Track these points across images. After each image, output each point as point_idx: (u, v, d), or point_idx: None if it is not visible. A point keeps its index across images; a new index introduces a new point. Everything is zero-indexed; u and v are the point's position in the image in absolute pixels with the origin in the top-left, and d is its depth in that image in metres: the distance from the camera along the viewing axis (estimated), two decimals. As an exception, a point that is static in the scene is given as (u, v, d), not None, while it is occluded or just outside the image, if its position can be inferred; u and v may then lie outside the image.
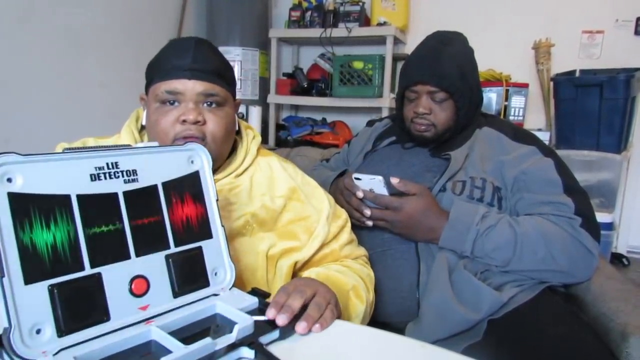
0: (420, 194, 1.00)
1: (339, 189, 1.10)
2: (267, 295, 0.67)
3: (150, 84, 0.86)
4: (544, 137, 2.45)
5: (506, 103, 2.54)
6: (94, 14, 2.24)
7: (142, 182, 0.60)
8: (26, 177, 0.51)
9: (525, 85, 2.55)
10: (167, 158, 0.64)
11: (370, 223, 1.02)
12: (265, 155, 0.96)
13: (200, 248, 0.65)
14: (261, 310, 0.63)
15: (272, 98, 3.03)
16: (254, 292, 0.67)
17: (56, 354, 0.50)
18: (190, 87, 0.82)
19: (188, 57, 0.83)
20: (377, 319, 1.00)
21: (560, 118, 2.48)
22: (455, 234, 0.97)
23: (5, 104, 1.87)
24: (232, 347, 0.54)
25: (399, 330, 0.97)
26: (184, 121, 0.81)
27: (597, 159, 2.33)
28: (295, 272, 0.92)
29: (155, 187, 0.61)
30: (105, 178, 0.57)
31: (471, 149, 1.10)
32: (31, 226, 0.51)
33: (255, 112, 2.81)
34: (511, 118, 2.54)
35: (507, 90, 2.53)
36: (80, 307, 0.52)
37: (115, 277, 0.56)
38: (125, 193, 0.58)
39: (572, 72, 2.48)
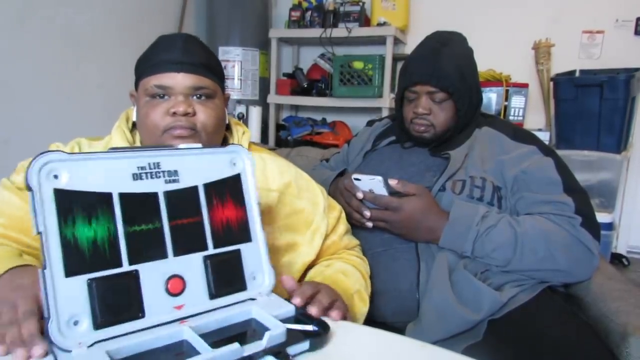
0: (420, 194, 1.00)
1: (338, 190, 1.10)
2: (324, 331, 0.64)
3: (140, 80, 0.86)
4: (544, 137, 2.45)
5: (506, 103, 2.54)
6: (94, 14, 2.24)
7: (183, 182, 0.61)
8: (71, 174, 0.53)
9: (525, 85, 2.55)
10: (209, 159, 0.64)
11: (370, 224, 1.02)
12: (257, 151, 0.97)
13: (238, 251, 0.64)
14: (297, 319, 0.61)
15: (272, 98, 3.03)
16: (317, 322, 0.64)
17: (90, 346, 0.51)
18: (180, 80, 0.83)
19: (176, 52, 0.84)
20: (377, 319, 1.00)
21: (560, 118, 2.48)
22: (456, 234, 0.97)
23: (4, 104, 1.87)
24: (259, 354, 0.53)
25: (399, 330, 0.97)
26: (174, 113, 0.82)
27: (597, 159, 2.33)
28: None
29: (195, 188, 0.62)
30: (147, 178, 0.58)
31: (471, 149, 1.10)
32: (74, 222, 0.52)
33: (255, 112, 2.80)
34: (511, 118, 2.54)
35: (507, 90, 2.53)
36: (116, 302, 0.54)
37: (152, 275, 0.57)
38: (165, 193, 0.59)
39: (572, 72, 2.48)
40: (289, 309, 0.62)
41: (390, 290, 1.00)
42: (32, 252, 0.80)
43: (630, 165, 2.62)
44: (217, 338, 0.56)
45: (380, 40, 2.79)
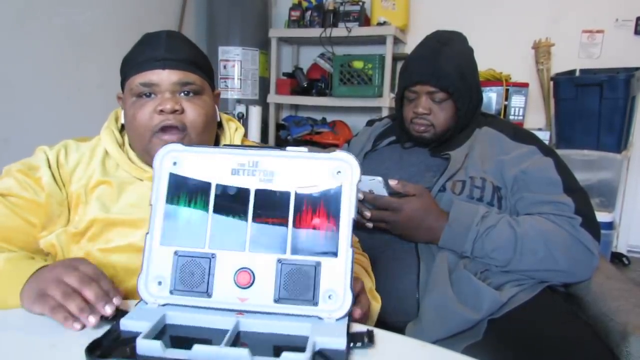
0: (420, 195, 1.00)
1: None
2: (371, 343, 0.59)
3: (125, 80, 0.85)
4: (544, 136, 2.45)
5: (506, 103, 2.54)
6: (94, 14, 2.24)
7: (276, 184, 0.63)
8: (185, 162, 0.64)
9: (525, 85, 2.55)
10: (311, 165, 0.63)
11: (370, 225, 1.02)
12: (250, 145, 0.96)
13: (318, 264, 0.61)
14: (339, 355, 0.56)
15: (272, 98, 3.03)
16: (365, 334, 0.59)
17: (162, 305, 0.60)
18: (165, 77, 0.80)
19: (160, 48, 0.82)
20: (377, 319, 1.00)
21: (560, 118, 2.48)
22: (455, 234, 0.97)
23: (4, 103, 1.87)
24: None
25: (399, 330, 0.97)
26: (162, 111, 0.79)
27: (597, 159, 2.33)
28: None
29: (287, 192, 0.63)
30: (244, 174, 0.63)
31: (471, 149, 1.10)
32: (178, 202, 0.63)
33: (255, 112, 2.80)
34: (511, 118, 2.54)
35: (507, 90, 2.53)
36: (191, 277, 0.61)
37: (226, 262, 0.62)
38: (257, 191, 0.63)
39: (572, 72, 2.48)
40: (340, 342, 0.56)
41: (390, 290, 1.00)
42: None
43: (630, 165, 2.62)
44: (260, 342, 0.56)
45: (380, 40, 2.79)
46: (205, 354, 0.51)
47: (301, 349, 0.53)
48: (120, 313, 0.59)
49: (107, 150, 0.86)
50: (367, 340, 0.58)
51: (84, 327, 0.58)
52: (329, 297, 0.61)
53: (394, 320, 1.01)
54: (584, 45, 2.71)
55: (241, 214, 0.62)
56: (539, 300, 0.94)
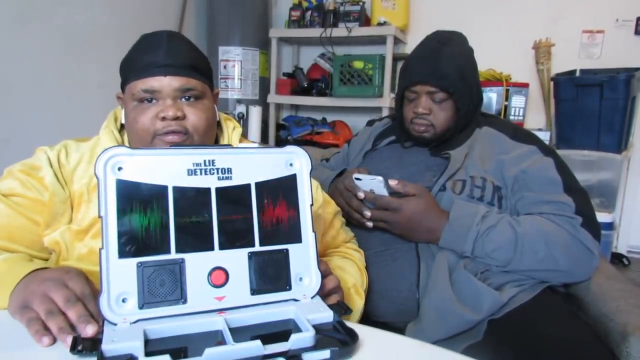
0: (420, 195, 1.00)
1: (338, 190, 1.10)
2: (349, 310, 0.65)
3: (126, 82, 0.85)
4: (544, 137, 2.45)
5: (506, 103, 2.54)
6: (94, 14, 2.24)
7: (236, 180, 0.63)
8: (132, 167, 0.59)
9: (526, 85, 2.55)
10: (265, 159, 0.66)
11: (370, 224, 1.02)
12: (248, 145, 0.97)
13: (286, 251, 0.65)
14: (335, 327, 0.60)
15: (272, 98, 3.03)
16: (338, 305, 0.65)
17: (134, 323, 0.56)
18: (167, 83, 0.81)
19: (161, 53, 0.82)
20: (377, 319, 1.00)
21: (561, 118, 2.48)
22: (456, 234, 0.97)
23: (5, 103, 1.87)
24: (269, 356, 0.53)
25: (399, 330, 0.97)
26: (164, 118, 0.81)
27: (597, 159, 2.33)
28: None
29: (248, 186, 0.64)
30: (201, 174, 0.62)
31: (471, 148, 1.10)
32: (131, 209, 0.58)
33: (255, 112, 2.80)
34: (511, 118, 2.54)
35: (507, 90, 2.53)
36: (161, 286, 0.58)
37: (196, 264, 0.60)
38: (217, 189, 0.62)
39: (573, 72, 2.48)
40: (327, 315, 0.61)
41: (390, 290, 1.00)
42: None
43: (630, 165, 2.62)
44: (252, 333, 0.57)
45: (380, 40, 2.79)
46: (218, 356, 0.51)
47: (295, 330, 0.58)
48: (93, 340, 0.55)
49: (105, 148, 0.86)
50: (343, 309, 0.64)
51: (53, 342, 0.56)
52: (300, 279, 0.65)
53: (394, 321, 1.01)
54: (584, 46, 2.71)
55: (204, 213, 0.61)
56: (539, 301, 0.94)
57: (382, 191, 0.99)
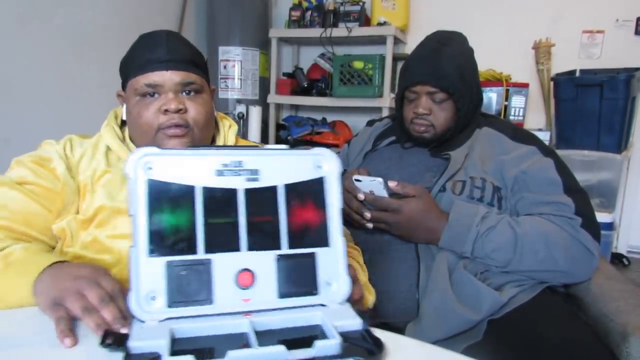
0: (420, 196, 1.00)
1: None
2: (379, 318, 0.65)
3: (128, 79, 0.88)
4: (544, 137, 2.45)
5: (506, 103, 2.54)
6: (94, 14, 2.24)
7: (263, 181, 0.62)
8: (162, 167, 0.59)
9: (526, 85, 2.55)
10: (293, 161, 0.65)
11: (370, 225, 1.02)
12: (244, 144, 1.00)
13: (314, 254, 0.63)
14: (362, 335, 0.58)
15: (272, 98, 3.03)
16: (366, 312, 0.65)
17: (162, 321, 0.56)
18: (168, 77, 0.85)
19: (162, 49, 0.85)
20: (377, 319, 1.00)
21: (561, 118, 2.48)
22: (456, 235, 0.97)
23: (5, 103, 1.87)
24: None
25: (399, 330, 0.97)
26: (166, 111, 0.84)
27: (597, 159, 2.33)
28: None
29: (275, 187, 0.63)
30: (229, 175, 0.61)
31: (471, 149, 1.10)
32: (161, 209, 0.58)
33: (255, 112, 2.80)
34: (511, 118, 2.54)
35: (507, 90, 2.53)
36: (189, 286, 0.58)
37: (224, 265, 0.59)
38: (245, 190, 0.61)
39: (573, 72, 2.48)
40: (356, 322, 0.60)
41: (390, 291, 1.00)
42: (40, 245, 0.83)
43: (630, 165, 2.62)
44: (277, 337, 0.56)
45: (380, 40, 2.79)
46: (242, 359, 0.51)
47: (321, 336, 0.56)
48: (121, 336, 0.55)
49: (109, 145, 0.90)
50: (371, 316, 0.62)
51: (75, 344, 0.57)
52: (328, 284, 0.63)
53: (394, 321, 1.01)
54: (584, 46, 2.71)
55: (232, 214, 0.60)
56: (539, 301, 0.94)
57: (382, 192, 0.99)
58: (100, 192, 0.85)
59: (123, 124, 0.95)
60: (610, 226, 2.28)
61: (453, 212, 0.98)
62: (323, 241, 0.64)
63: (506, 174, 1.05)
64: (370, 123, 1.39)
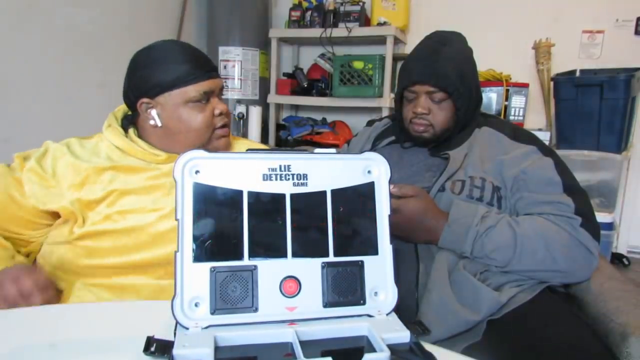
0: (418, 196, 0.99)
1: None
2: (428, 331, 0.62)
3: (165, 91, 0.94)
4: (544, 137, 2.45)
5: (506, 103, 2.54)
6: (94, 14, 2.24)
7: (311, 186, 0.60)
8: (209, 170, 0.58)
9: (525, 85, 2.55)
10: (342, 165, 0.63)
11: (369, 224, 1.02)
12: (237, 140, 1.11)
13: (361, 263, 0.61)
14: (411, 348, 0.56)
15: (272, 98, 3.03)
16: (415, 324, 0.61)
17: (205, 328, 0.54)
18: (217, 84, 0.99)
19: (205, 60, 0.98)
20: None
21: (560, 118, 2.48)
22: (455, 234, 0.97)
23: (5, 103, 1.87)
24: None
25: (399, 330, 0.97)
26: (220, 113, 0.98)
27: (597, 159, 2.33)
28: None
29: (323, 193, 0.61)
30: (276, 179, 0.60)
31: (470, 149, 1.10)
32: (207, 213, 0.57)
33: (255, 112, 2.80)
34: (511, 118, 2.54)
35: (507, 90, 2.53)
36: (233, 293, 0.57)
37: (269, 272, 0.58)
38: (292, 195, 0.60)
39: (572, 72, 2.48)
40: (404, 335, 0.58)
41: (390, 290, 1.00)
42: (12, 237, 0.93)
43: (630, 165, 2.62)
44: (322, 348, 0.55)
45: (380, 40, 2.79)
46: None
47: (367, 348, 0.55)
48: (164, 344, 0.54)
49: (114, 143, 0.97)
50: (420, 329, 0.59)
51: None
52: (375, 294, 0.62)
53: (393, 321, 1.01)
54: (584, 46, 2.71)
55: (278, 220, 0.59)
56: (538, 301, 0.94)
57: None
58: (108, 177, 0.92)
59: (125, 126, 1.01)
60: (610, 226, 2.28)
61: (452, 212, 0.98)
62: (371, 249, 0.62)
63: (506, 174, 1.05)
64: (369, 123, 1.39)
